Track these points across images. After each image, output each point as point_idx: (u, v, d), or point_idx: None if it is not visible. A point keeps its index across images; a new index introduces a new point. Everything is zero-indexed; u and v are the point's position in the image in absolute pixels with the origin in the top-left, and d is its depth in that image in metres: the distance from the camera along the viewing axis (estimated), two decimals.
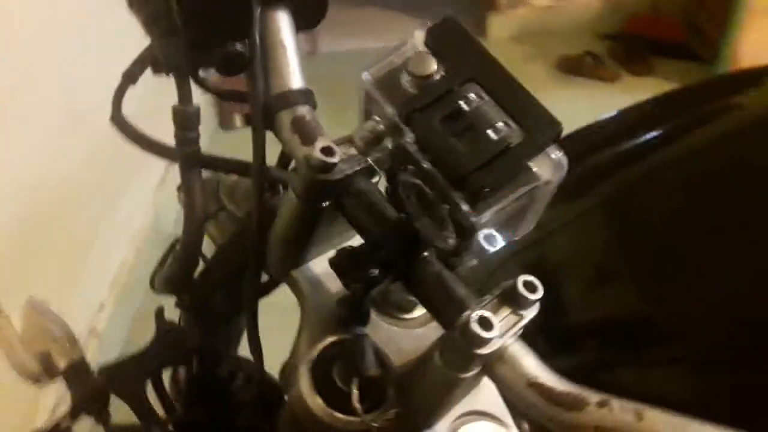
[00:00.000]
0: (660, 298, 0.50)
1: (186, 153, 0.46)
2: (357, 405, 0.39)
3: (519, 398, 0.38)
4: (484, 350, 0.36)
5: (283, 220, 0.44)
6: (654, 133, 0.60)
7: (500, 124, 0.29)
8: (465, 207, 0.28)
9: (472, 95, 0.29)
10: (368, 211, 0.41)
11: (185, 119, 0.45)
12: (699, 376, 0.37)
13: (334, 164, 0.39)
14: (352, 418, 0.40)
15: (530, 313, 0.37)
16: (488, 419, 0.46)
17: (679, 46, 2.72)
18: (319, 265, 0.49)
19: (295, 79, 0.45)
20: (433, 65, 0.29)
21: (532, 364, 0.38)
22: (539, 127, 0.28)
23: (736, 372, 0.44)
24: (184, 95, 0.45)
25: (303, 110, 0.44)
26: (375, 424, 0.40)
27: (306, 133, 0.43)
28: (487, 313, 0.36)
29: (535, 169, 0.29)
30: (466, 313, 0.36)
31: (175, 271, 0.53)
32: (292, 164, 0.48)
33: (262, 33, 0.44)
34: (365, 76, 0.31)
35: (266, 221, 0.47)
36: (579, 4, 2.95)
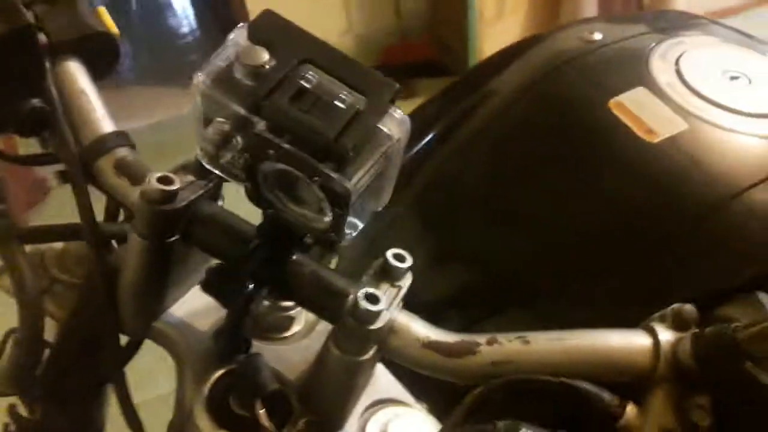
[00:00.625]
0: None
1: (6, 225, 0.41)
2: (266, 423, 0.38)
3: (418, 361, 0.40)
4: (377, 324, 0.37)
5: (130, 270, 0.42)
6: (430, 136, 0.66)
7: (344, 94, 0.31)
8: (335, 174, 0.30)
9: (310, 74, 0.31)
10: (223, 232, 0.41)
11: None
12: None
13: (175, 192, 0.39)
14: None
15: (406, 282, 0.40)
16: (392, 404, 0.47)
17: (433, 65, 3.00)
18: (180, 308, 0.47)
19: (106, 123, 0.44)
20: (265, 54, 0.30)
21: (421, 327, 0.40)
22: (378, 91, 0.31)
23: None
24: None
25: (123, 151, 0.43)
26: None
27: (134, 172, 0.42)
28: (371, 289, 0.37)
29: (385, 130, 0.31)
30: (353, 294, 0.37)
31: (16, 366, 0.47)
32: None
33: (59, 85, 0.42)
34: (199, 78, 0.31)
35: (111, 280, 0.44)
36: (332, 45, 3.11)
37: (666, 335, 0.39)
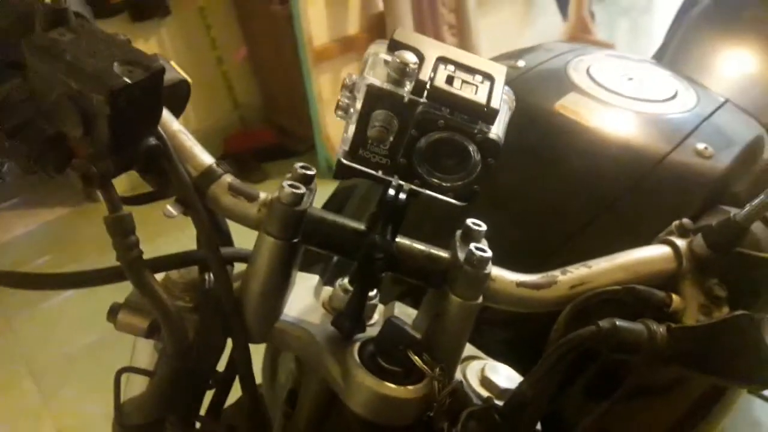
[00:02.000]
0: None
1: (132, 258, 0.44)
2: (424, 366, 0.45)
3: (515, 299, 0.50)
4: (488, 268, 0.47)
5: (261, 274, 0.47)
6: None
7: (477, 76, 0.41)
8: (490, 128, 0.40)
9: (449, 66, 0.41)
10: (338, 229, 0.48)
11: (121, 225, 0.44)
12: None
13: (302, 195, 0.46)
14: (420, 385, 0.46)
15: (484, 243, 0.49)
16: (477, 359, 0.55)
17: (279, 147, 3.11)
18: (289, 310, 0.51)
19: (207, 156, 0.49)
20: (413, 56, 0.40)
21: (508, 273, 0.50)
22: (498, 72, 0.42)
23: None
24: (114, 202, 0.44)
25: (230, 177, 0.48)
26: (439, 381, 0.46)
27: (247, 192, 0.48)
28: (478, 244, 0.47)
29: (506, 98, 0.43)
30: (470, 248, 0.46)
31: (162, 389, 0.48)
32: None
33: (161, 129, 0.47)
34: (368, 80, 0.39)
35: (232, 294, 0.48)
36: None
37: (679, 241, 0.52)
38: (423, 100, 0.40)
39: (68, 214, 2.73)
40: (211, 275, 0.50)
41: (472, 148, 0.40)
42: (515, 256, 0.52)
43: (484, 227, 0.50)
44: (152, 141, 0.45)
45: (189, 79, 0.51)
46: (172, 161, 0.46)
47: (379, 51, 0.42)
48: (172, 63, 0.51)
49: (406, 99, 0.40)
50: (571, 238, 0.64)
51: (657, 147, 0.69)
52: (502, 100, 0.41)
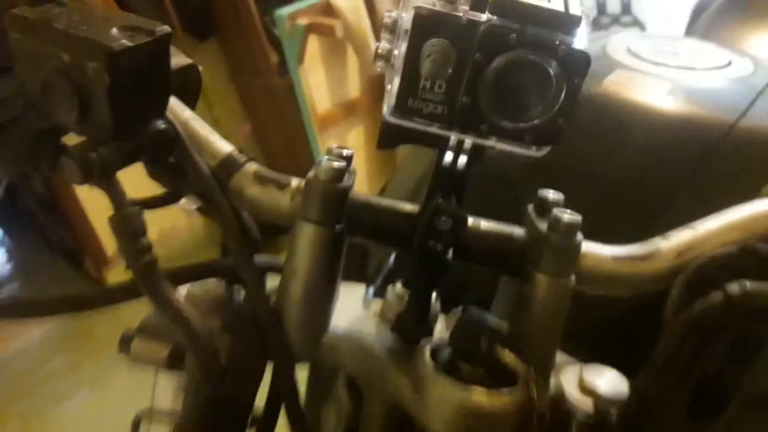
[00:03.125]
0: None
1: (145, 264, 0.36)
2: (515, 362, 0.36)
3: (615, 276, 0.41)
4: (578, 236, 0.38)
5: (300, 273, 0.38)
6: None
7: None
8: (574, 38, 0.32)
9: None
10: (387, 214, 0.40)
11: (129, 225, 0.36)
12: None
13: (344, 170, 0.38)
14: (515, 389, 0.36)
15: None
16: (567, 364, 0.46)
17: None
18: (336, 322, 0.42)
19: (225, 144, 0.41)
20: None
21: (602, 247, 0.41)
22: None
23: None
24: (120, 199, 0.36)
25: (255, 165, 0.41)
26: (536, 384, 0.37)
27: (276, 178, 0.40)
28: (562, 209, 0.39)
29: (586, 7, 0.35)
30: (553, 213, 0.38)
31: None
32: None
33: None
34: (416, 3, 0.32)
35: (269, 305, 0.39)
36: (181, 234, 2.99)
37: None
38: (486, 15, 0.32)
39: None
40: (240, 288, 0.41)
41: (553, 67, 0.32)
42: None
43: (561, 196, 0.42)
44: (161, 125, 0.38)
45: (200, 66, 0.45)
46: (185, 148, 0.38)
47: None
48: (181, 52, 0.45)
49: (464, 19, 0.32)
50: (656, 217, 0.55)
51: (727, 111, 0.61)
52: (582, 12, 0.33)
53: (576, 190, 0.60)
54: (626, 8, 4.44)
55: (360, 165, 2.88)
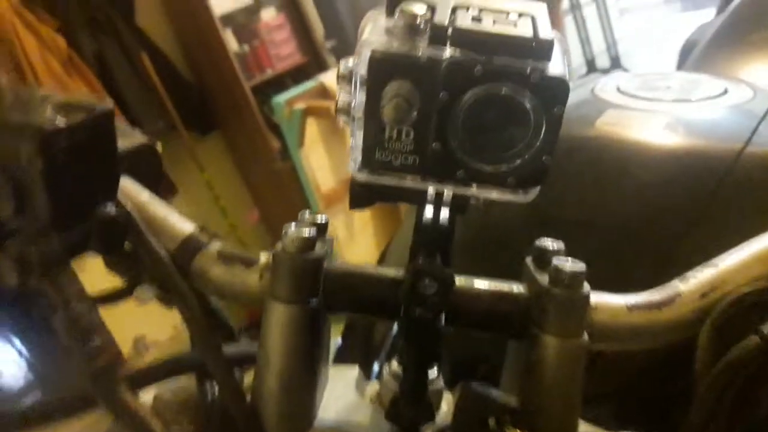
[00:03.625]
0: None
1: (98, 369, 0.32)
2: None
3: (633, 328, 0.36)
4: (585, 288, 0.34)
5: (274, 359, 0.34)
6: None
7: (511, 12, 0.31)
8: (548, 63, 0.28)
9: (470, 9, 0.31)
10: (366, 282, 0.36)
11: (78, 325, 0.32)
12: None
13: (314, 239, 0.34)
14: None
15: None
16: None
17: None
18: (325, 412, 0.37)
19: (187, 224, 0.38)
20: (422, 4, 0.30)
21: (614, 296, 0.37)
22: (538, 6, 0.32)
23: None
24: (66, 296, 0.32)
25: (219, 244, 0.37)
26: None
27: (243, 257, 0.36)
28: (563, 258, 0.35)
29: (557, 33, 0.32)
30: (554, 263, 0.34)
31: None
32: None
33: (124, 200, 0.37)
34: (368, 49, 0.29)
35: (244, 401, 0.35)
36: None
37: None
38: (447, 50, 0.29)
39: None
40: (214, 384, 0.37)
41: (528, 99, 0.29)
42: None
43: (562, 244, 0.37)
44: (111, 210, 0.35)
45: (158, 146, 0.42)
46: (139, 232, 0.35)
47: (376, 17, 0.32)
48: (137, 130, 0.42)
49: (424, 56, 0.29)
50: (667, 261, 0.51)
51: (731, 139, 0.57)
52: (554, 34, 0.30)
53: (579, 239, 0.55)
54: (615, 62, 4.52)
55: (368, 233, 2.86)
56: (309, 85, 2.61)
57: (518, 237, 0.56)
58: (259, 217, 3.21)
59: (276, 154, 2.87)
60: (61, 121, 0.30)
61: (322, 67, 2.91)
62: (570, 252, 0.37)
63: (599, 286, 0.37)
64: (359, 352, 0.63)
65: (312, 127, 2.58)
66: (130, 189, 0.39)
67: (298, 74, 2.92)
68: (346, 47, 2.95)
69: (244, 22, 2.84)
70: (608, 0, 4.60)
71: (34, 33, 2.40)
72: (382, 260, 0.81)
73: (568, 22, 4.34)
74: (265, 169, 2.98)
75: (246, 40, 2.80)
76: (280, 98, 2.52)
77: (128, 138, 0.40)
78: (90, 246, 0.34)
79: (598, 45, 4.57)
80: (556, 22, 3.80)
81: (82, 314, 0.32)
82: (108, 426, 0.37)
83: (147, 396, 0.36)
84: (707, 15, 1.54)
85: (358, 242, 2.84)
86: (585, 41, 4.52)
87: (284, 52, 2.88)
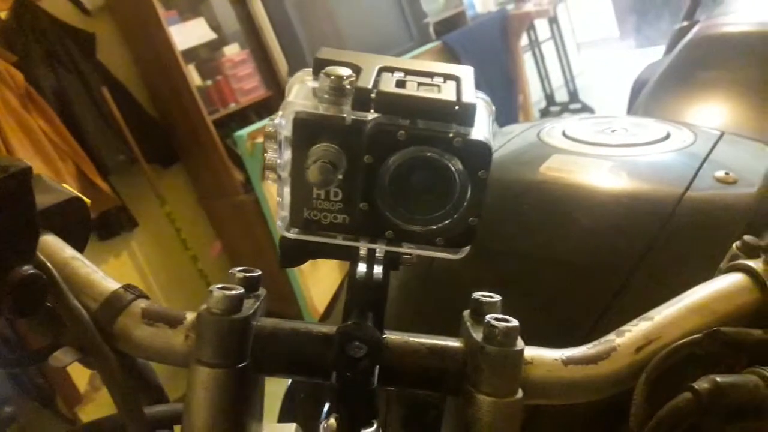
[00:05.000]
0: None
1: None
2: None
3: (569, 383, 0.36)
4: (519, 344, 0.33)
5: (201, 425, 0.32)
6: None
7: (436, 78, 0.31)
8: (471, 128, 0.28)
9: (395, 73, 0.31)
10: (299, 341, 0.35)
11: None
12: None
13: (241, 298, 0.33)
14: None
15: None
16: None
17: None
18: None
19: (110, 282, 0.37)
20: (347, 68, 0.30)
21: (549, 351, 0.36)
22: (464, 73, 0.31)
23: None
24: None
25: (144, 302, 0.36)
26: None
27: (168, 315, 0.35)
28: (495, 315, 0.34)
29: (482, 97, 0.32)
30: (486, 319, 0.33)
31: None
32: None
33: (45, 258, 0.35)
34: (295, 108, 0.29)
35: None
36: None
37: (753, 263, 0.40)
38: (370, 114, 0.29)
39: None
40: None
41: (452, 162, 0.29)
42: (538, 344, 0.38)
43: (498, 298, 0.37)
44: (28, 270, 0.33)
45: (86, 200, 0.41)
46: (60, 292, 0.33)
47: (303, 78, 0.32)
48: (64, 185, 0.41)
49: (348, 119, 0.29)
50: (608, 307, 0.51)
51: (672, 184, 0.58)
52: (478, 99, 0.30)
53: (521, 284, 0.56)
54: (574, 96, 4.64)
55: (330, 262, 2.85)
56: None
57: (464, 277, 0.56)
58: (221, 248, 3.17)
59: (239, 186, 2.85)
60: None
61: None
62: (513, 298, 0.37)
63: (538, 333, 0.37)
64: (307, 402, 0.61)
65: None
66: (52, 245, 0.37)
67: (261, 108, 2.92)
68: None
69: (206, 57, 2.84)
70: (565, 36, 4.74)
71: None
72: (335, 299, 0.80)
73: (528, 58, 4.45)
74: (228, 202, 2.95)
75: (209, 74, 2.80)
76: (243, 132, 2.51)
77: (53, 193, 0.38)
78: (4, 309, 0.32)
79: (556, 80, 4.70)
80: (516, 58, 3.90)
81: None
82: None
83: None
84: (659, 51, 1.59)
85: (320, 269, 2.81)
86: (544, 76, 4.64)
87: (248, 86, 2.88)
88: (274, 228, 2.65)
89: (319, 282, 2.68)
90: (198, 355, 0.32)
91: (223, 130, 2.77)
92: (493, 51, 3.69)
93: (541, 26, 4.58)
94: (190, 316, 0.35)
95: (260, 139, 2.50)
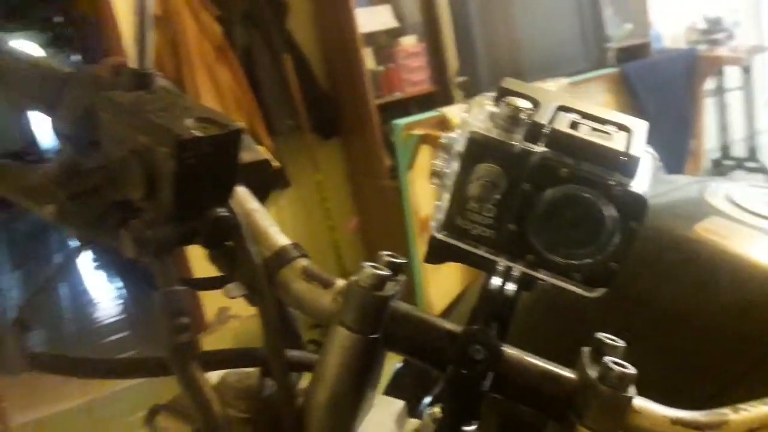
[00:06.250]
0: None
1: (180, 343, 0.37)
2: None
3: None
4: (630, 391, 0.35)
5: (328, 376, 0.37)
6: None
7: (609, 126, 0.33)
8: (631, 181, 0.30)
9: (571, 114, 0.33)
10: (426, 329, 0.38)
11: (172, 302, 0.37)
12: None
13: (385, 278, 0.37)
14: None
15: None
16: None
17: None
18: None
19: (282, 237, 0.42)
20: (527, 101, 0.33)
21: (659, 407, 0.37)
22: (636, 126, 0.34)
23: None
24: (168, 275, 0.37)
25: (305, 261, 0.41)
26: None
27: (322, 277, 0.40)
28: (612, 358, 0.36)
29: (651, 152, 0.34)
30: (604, 361, 0.35)
31: None
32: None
33: (235, 205, 0.42)
34: (472, 127, 0.32)
35: (294, 404, 0.39)
36: None
37: None
38: (540, 147, 0.32)
39: None
40: (273, 381, 0.41)
41: (606, 207, 0.31)
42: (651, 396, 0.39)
43: (621, 344, 0.38)
44: (222, 212, 0.40)
45: (275, 163, 0.47)
46: (240, 236, 0.40)
47: (483, 102, 0.35)
48: (260, 148, 0.47)
49: (517, 147, 0.32)
50: (734, 381, 0.49)
51: None
52: (644, 153, 0.32)
53: (650, 335, 0.55)
54: (752, 153, 4.26)
55: (456, 276, 2.87)
56: (431, 114, 2.67)
57: (591, 313, 0.57)
58: (357, 225, 3.31)
59: (386, 171, 2.95)
60: (196, 133, 0.36)
61: (449, 100, 2.97)
62: (636, 343, 0.38)
63: (654, 385, 0.38)
64: (412, 384, 0.65)
65: (424, 154, 2.63)
66: (242, 196, 0.44)
67: (423, 102, 3.00)
68: (475, 85, 2.99)
69: (384, 44, 2.96)
70: (756, 88, 4.36)
71: (195, 16, 2.62)
72: (456, 302, 0.83)
73: (710, 103, 4.15)
74: (374, 183, 3.07)
75: (383, 60, 2.91)
76: (401, 121, 2.60)
77: (251, 152, 0.45)
78: (197, 240, 0.39)
79: (737, 132, 4.35)
80: (697, 101, 3.65)
81: (177, 295, 0.38)
82: (174, 395, 0.42)
83: (214, 375, 0.41)
84: None
85: (442, 271, 2.84)
86: (724, 126, 4.30)
87: (416, 78, 2.96)
88: (409, 218, 2.72)
89: (439, 283, 2.72)
90: (341, 318, 0.37)
91: (382, 115, 2.88)
92: (673, 89, 3.49)
93: (732, 73, 4.25)
94: (340, 283, 0.40)
95: (416, 131, 2.57)
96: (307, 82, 2.91)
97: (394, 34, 2.98)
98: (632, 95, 3.22)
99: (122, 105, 0.37)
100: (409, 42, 2.95)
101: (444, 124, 2.62)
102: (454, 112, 2.63)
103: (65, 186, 0.39)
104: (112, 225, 0.38)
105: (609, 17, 3.39)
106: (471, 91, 2.96)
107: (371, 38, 2.88)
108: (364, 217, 3.31)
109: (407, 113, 2.84)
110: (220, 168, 0.39)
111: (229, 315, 2.89)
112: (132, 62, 0.41)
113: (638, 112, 3.21)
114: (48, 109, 0.45)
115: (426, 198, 2.80)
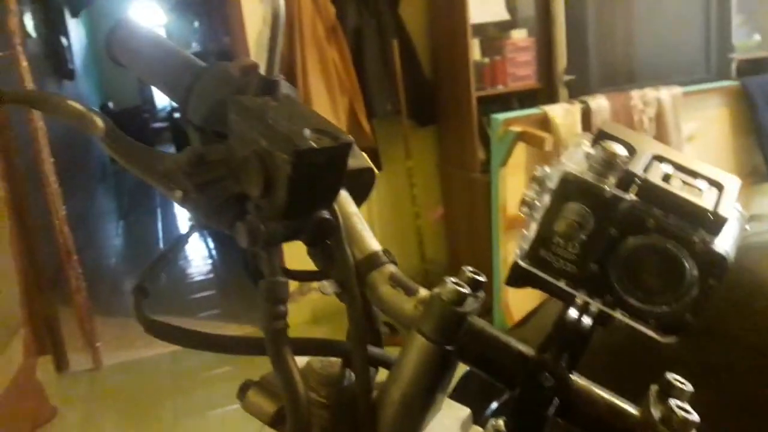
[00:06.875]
0: None
1: (277, 328, 0.41)
2: None
3: None
4: None
5: (404, 378, 0.41)
6: None
7: (702, 182, 0.34)
8: (715, 239, 0.32)
9: (665, 165, 0.35)
10: (500, 348, 0.41)
11: (275, 291, 0.41)
12: None
13: (466, 296, 0.40)
14: None
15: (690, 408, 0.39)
16: None
17: None
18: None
19: (375, 243, 0.46)
20: (623, 149, 0.35)
21: None
22: (729, 183, 0.35)
23: None
24: (273, 266, 0.42)
25: (393, 268, 0.45)
26: None
27: (407, 285, 0.43)
28: (677, 401, 0.37)
29: (741, 213, 0.35)
30: (669, 403, 0.36)
31: None
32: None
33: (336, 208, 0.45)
34: (566, 167, 0.34)
35: (369, 397, 0.42)
36: None
37: None
38: (631, 195, 0.33)
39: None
40: (353, 373, 0.44)
41: (688, 262, 0.32)
42: None
43: (689, 388, 0.39)
44: (325, 215, 0.44)
45: (376, 170, 0.51)
46: (339, 238, 0.44)
47: (581, 142, 0.37)
48: (364, 155, 0.51)
49: (608, 193, 0.34)
50: None
51: None
52: (733, 212, 0.33)
53: (725, 379, 0.55)
54: None
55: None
56: (532, 111, 2.63)
57: (665, 352, 0.57)
58: (442, 215, 3.33)
59: (478, 164, 2.95)
60: (312, 143, 0.40)
61: (553, 98, 2.91)
62: (709, 388, 0.39)
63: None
64: (478, 390, 0.68)
65: (519, 151, 2.60)
66: (344, 200, 0.47)
67: (525, 97, 2.95)
68: (582, 85, 2.91)
69: (492, 36, 2.93)
70: None
71: None
72: (534, 312, 0.84)
73: None
74: (464, 175, 3.08)
75: (489, 52, 2.89)
76: (501, 116, 2.58)
77: (356, 159, 0.49)
78: (301, 236, 0.43)
79: None
80: None
81: (278, 284, 0.42)
82: (264, 374, 0.47)
83: (301, 360, 0.45)
84: None
85: None
86: None
87: (521, 73, 2.92)
88: (495, 215, 2.71)
89: (519, 291, 2.70)
90: (420, 325, 0.40)
91: (481, 107, 2.87)
92: None
93: None
94: (423, 292, 0.43)
95: (514, 128, 2.55)
96: (411, 69, 2.94)
97: (503, 27, 2.94)
98: (751, 111, 3.03)
99: (250, 110, 0.42)
100: (519, 35, 2.91)
101: (545, 123, 2.58)
102: (556, 111, 2.58)
103: (191, 176, 0.44)
104: (230, 216, 0.43)
105: (736, 27, 3.19)
106: (577, 91, 2.88)
107: (480, 29, 2.86)
108: (449, 207, 3.32)
109: (507, 107, 2.81)
110: (330, 175, 0.42)
111: (310, 287, 3.01)
112: (258, 59, 0.46)
113: (756, 129, 3.02)
114: (179, 99, 0.51)
115: (515, 196, 2.78)
